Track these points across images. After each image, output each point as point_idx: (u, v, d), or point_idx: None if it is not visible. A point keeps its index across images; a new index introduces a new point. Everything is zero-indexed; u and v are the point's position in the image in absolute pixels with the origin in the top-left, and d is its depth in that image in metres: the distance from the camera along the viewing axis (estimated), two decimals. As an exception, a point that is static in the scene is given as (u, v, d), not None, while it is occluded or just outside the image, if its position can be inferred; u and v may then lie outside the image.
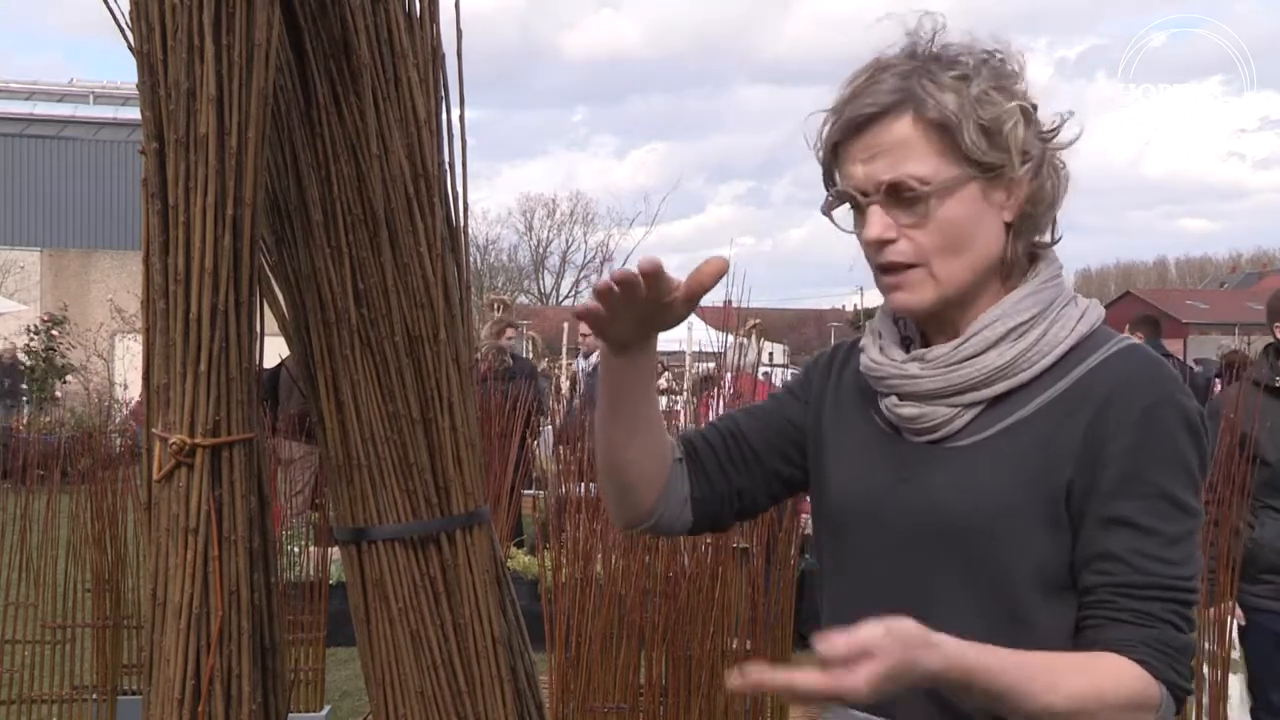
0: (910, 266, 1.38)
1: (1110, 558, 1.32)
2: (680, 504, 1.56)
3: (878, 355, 1.47)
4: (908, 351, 1.46)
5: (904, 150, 1.36)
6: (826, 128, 1.42)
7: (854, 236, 1.45)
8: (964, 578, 1.35)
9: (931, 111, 1.36)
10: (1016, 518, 1.34)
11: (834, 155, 1.42)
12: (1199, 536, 1.36)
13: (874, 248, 1.39)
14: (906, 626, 1.20)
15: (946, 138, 1.36)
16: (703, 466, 1.57)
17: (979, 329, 1.40)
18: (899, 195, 1.37)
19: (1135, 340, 1.42)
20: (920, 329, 1.49)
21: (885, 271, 1.40)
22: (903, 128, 1.37)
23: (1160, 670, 1.29)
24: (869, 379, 1.48)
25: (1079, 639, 1.34)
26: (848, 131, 1.39)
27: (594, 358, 9.51)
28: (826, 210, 1.44)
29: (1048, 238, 1.47)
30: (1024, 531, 1.34)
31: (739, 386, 4.32)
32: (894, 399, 1.43)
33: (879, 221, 1.37)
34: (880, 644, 1.17)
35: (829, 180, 1.45)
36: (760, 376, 6.20)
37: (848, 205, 1.43)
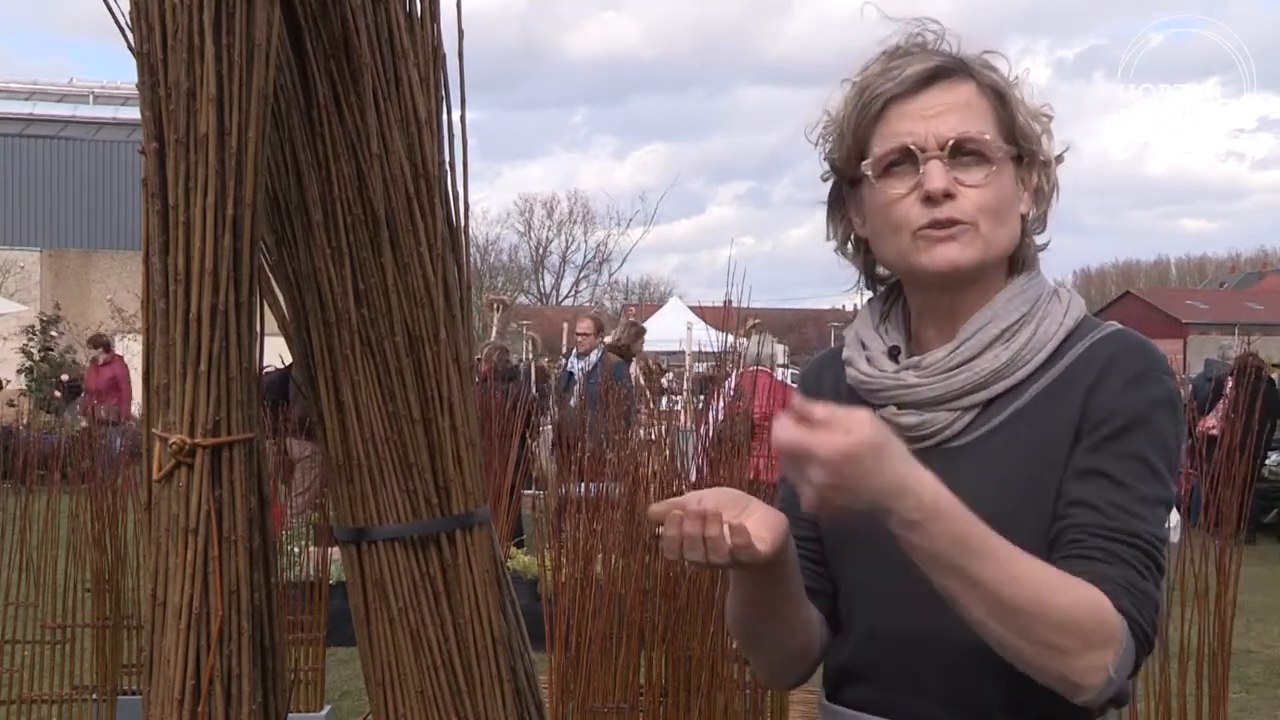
0: (963, 225, 1.37)
1: (1082, 504, 1.32)
2: (826, 635, 1.52)
3: (868, 368, 1.45)
4: (896, 361, 1.44)
5: (970, 111, 1.37)
6: (871, 90, 1.39)
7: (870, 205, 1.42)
8: None
9: (988, 81, 1.38)
10: (1031, 505, 1.34)
11: (875, 118, 1.39)
12: (1166, 511, 1.36)
13: (931, 202, 1.36)
14: (894, 438, 1.19)
15: (1003, 111, 1.39)
16: (814, 590, 1.52)
17: (972, 332, 1.39)
18: (962, 153, 1.36)
19: (1120, 325, 1.43)
20: (909, 329, 1.47)
21: (935, 227, 1.37)
22: (968, 90, 1.38)
23: (1124, 605, 1.27)
24: (862, 392, 1.45)
25: None
26: (909, 87, 1.37)
27: (592, 357, 9.54)
28: (875, 171, 1.39)
29: (1039, 241, 1.49)
30: (1038, 516, 1.34)
31: (741, 383, 4.32)
32: (892, 409, 1.41)
33: (943, 174, 1.35)
34: (865, 424, 1.15)
35: (857, 151, 1.41)
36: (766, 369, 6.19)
37: (879, 171, 1.39)
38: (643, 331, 10.70)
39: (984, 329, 1.39)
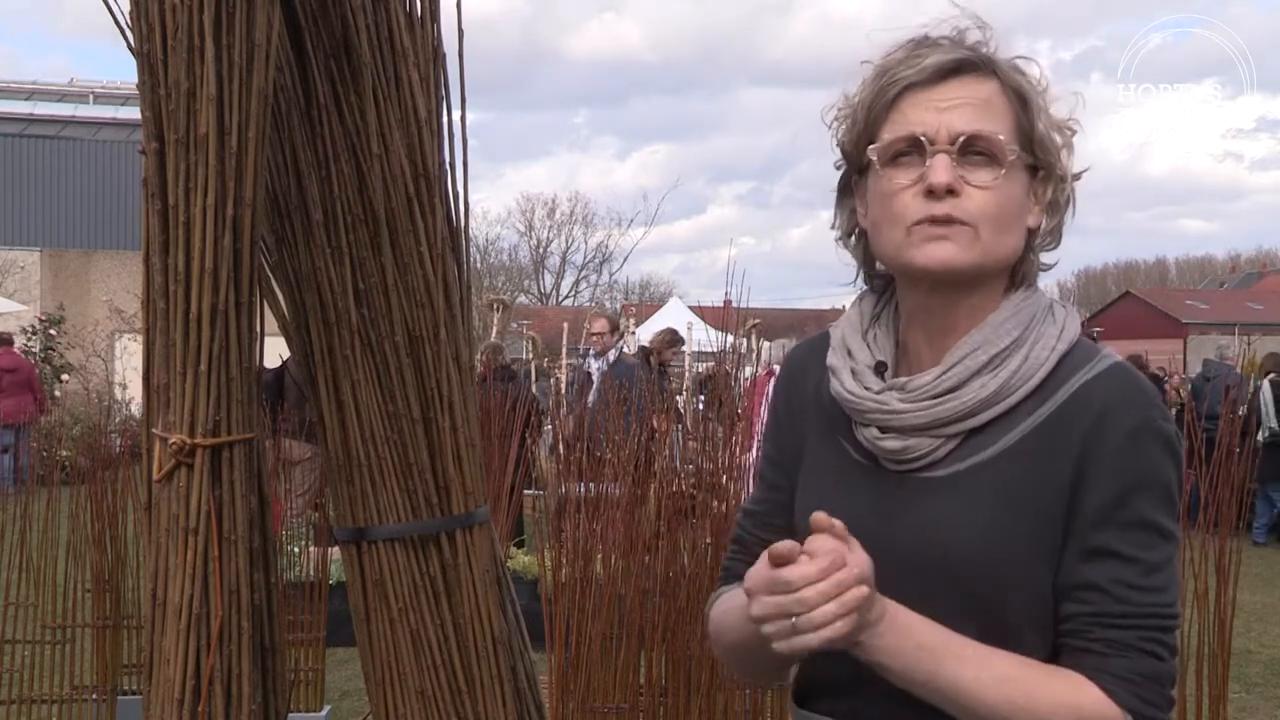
0: (962, 225, 1.31)
1: (1091, 587, 1.29)
2: None
3: (853, 384, 1.41)
4: (882, 378, 1.40)
5: (988, 109, 1.33)
6: (890, 74, 1.34)
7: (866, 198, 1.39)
8: (961, 611, 1.31)
9: (1012, 82, 1.34)
10: (1012, 547, 1.31)
11: (890, 104, 1.34)
12: (1176, 560, 1.34)
13: (932, 196, 1.31)
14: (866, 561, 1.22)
15: (1024, 114, 1.34)
16: None
17: (960, 357, 1.35)
18: (972, 151, 1.31)
19: (1116, 358, 1.38)
20: (899, 340, 1.43)
21: (932, 223, 1.31)
22: (989, 87, 1.34)
23: (1123, 698, 1.26)
24: (845, 409, 1.42)
25: None
26: (930, 77, 1.32)
27: (610, 356, 9.53)
28: (882, 158, 1.35)
29: (1049, 259, 1.44)
30: (1021, 561, 1.31)
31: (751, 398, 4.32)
32: (875, 431, 1.38)
33: (948, 169, 1.30)
34: (861, 561, 1.20)
35: (867, 136, 1.37)
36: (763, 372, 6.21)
37: (885, 158, 1.35)
38: (679, 341, 10.75)
39: (973, 355, 1.35)
